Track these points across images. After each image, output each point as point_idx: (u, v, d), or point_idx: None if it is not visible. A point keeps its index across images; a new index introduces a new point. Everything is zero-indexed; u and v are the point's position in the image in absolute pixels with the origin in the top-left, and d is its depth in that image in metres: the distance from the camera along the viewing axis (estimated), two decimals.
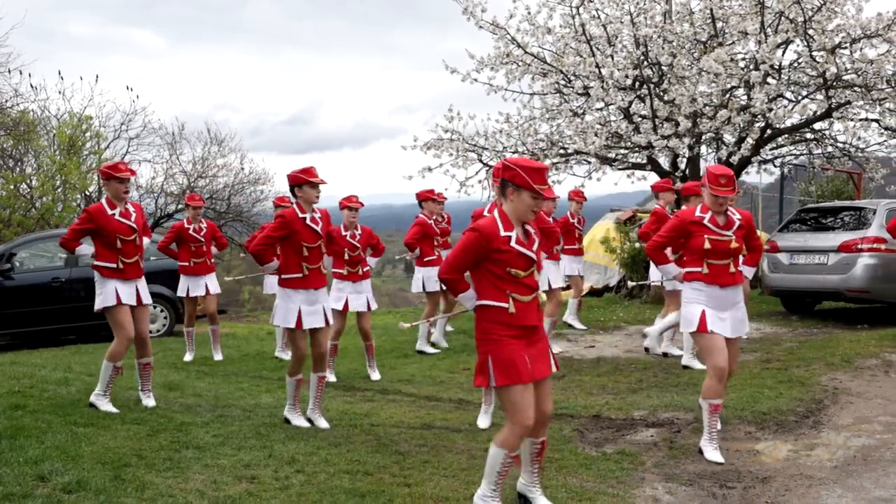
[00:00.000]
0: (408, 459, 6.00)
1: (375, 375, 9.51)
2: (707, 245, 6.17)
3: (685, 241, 6.36)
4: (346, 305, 9.28)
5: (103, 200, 7.62)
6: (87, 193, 22.56)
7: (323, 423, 7.09)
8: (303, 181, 6.90)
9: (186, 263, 11.01)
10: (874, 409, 7.31)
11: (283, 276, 7.01)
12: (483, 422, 7.10)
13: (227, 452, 6.08)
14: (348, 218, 9.15)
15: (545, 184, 4.64)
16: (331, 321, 7.11)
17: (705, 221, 6.25)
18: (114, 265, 7.49)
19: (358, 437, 6.65)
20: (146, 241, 7.92)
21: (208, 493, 5.14)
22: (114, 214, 7.50)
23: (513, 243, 4.59)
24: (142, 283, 7.70)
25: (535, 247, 4.71)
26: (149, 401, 7.72)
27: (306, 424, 7.05)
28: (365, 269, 9.37)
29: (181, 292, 11.09)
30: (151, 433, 6.58)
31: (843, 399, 7.61)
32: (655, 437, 6.74)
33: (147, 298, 7.73)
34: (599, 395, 8.30)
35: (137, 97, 39.68)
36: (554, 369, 4.79)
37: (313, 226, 6.96)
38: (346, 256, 9.22)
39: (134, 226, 7.60)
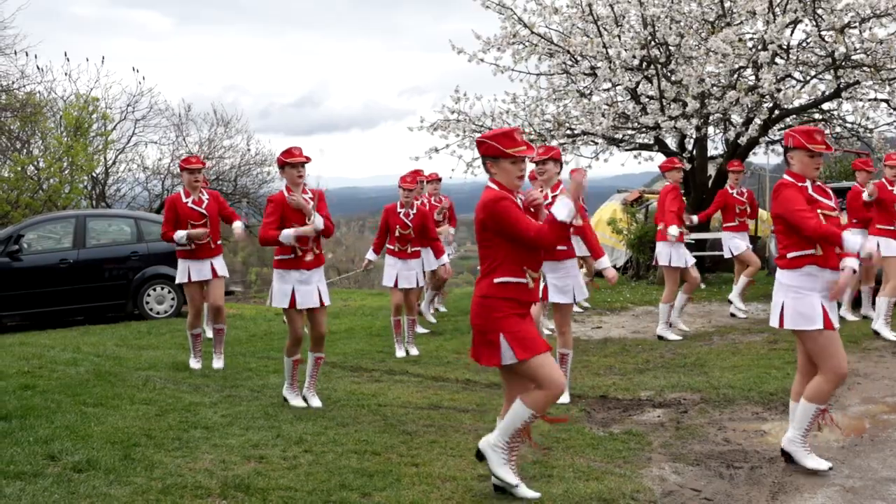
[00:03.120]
0: (415, 439, 6.02)
1: (414, 351, 9.75)
2: (824, 221, 5.17)
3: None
4: (396, 282, 9.61)
5: (181, 189, 8.83)
6: (94, 175, 22.56)
7: (316, 402, 7.12)
8: (282, 163, 6.98)
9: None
10: (881, 390, 7.31)
11: (276, 258, 7.02)
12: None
13: (235, 432, 6.11)
14: (402, 197, 9.50)
15: (519, 145, 4.62)
16: (326, 302, 7.02)
17: (810, 192, 5.25)
18: (189, 247, 8.67)
19: (366, 418, 6.68)
20: (238, 224, 8.96)
21: (217, 472, 5.17)
22: (187, 202, 8.66)
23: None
24: (216, 260, 8.85)
25: (540, 222, 4.72)
26: (216, 362, 8.80)
27: (303, 405, 7.06)
28: (414, 249, 9.64)
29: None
30: (160, 413, 6.62)
31: (851, 380, 7.59)
32: (662, 417, 6.75)
33: (221, 271, 8.88)
34: (606, 376, 8.31)
35: (144, 78, 39.63)
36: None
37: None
38: (397, 233, 9.53)
39: (204, 212, 8.71)
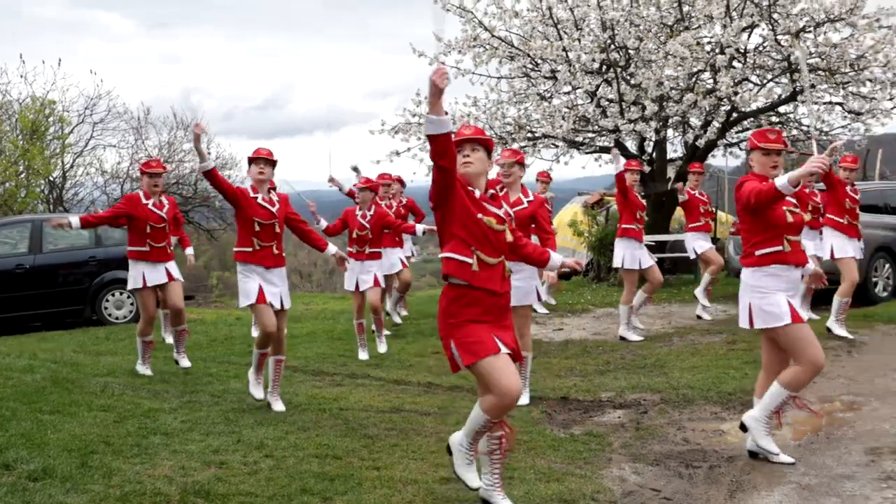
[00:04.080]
0: (377, 443, 6.01)
1: (382, 348, 9.87)
2: (790, 218, 5.35)
3: (756, 214, 5.36)
4: (357, 285, 9.66)
5: (140, 191, 8.70)
6: (51, 179, 22.26)
7: (278, 407, 7.10)
8: (249, 160, 7.07)
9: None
10: (837, 389, 7.43)
11: (236, 249, 7.08)
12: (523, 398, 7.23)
13: (195, 438, 6.05)
14: (359, 198, 9.62)
15: (460, 134, 4.59)
16: (286, 305, 7.09)
17: None
18: (144, 248, 8.52)
19: (327, 422, 6.65)
20: (189, 250, 9.25)
21: (176, 478, 5.12)
22: (148, 204, 8.58)
23: (476, 195, 4.53)
24: (171, 264, 8.77)
25: (502, 210, 4.63)
26: (184, 362, 8.84)
27: (262, 396, 7.11)
28: (372, 250, 9.70)
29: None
30: (118, 420, 6.54)
31: None
32: (622, 418, 6.80)
33: (177, 275, 8.79)
34: (567, 378, 8.35)
35: (102, 81, 39.14)
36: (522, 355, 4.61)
37: (266, 204, 6.99)
38: (355, 235, 9.60)
39: (164, 216, 8.66)
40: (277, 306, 7.02)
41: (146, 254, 8.55)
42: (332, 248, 7.39)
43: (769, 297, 5.33)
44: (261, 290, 6.93)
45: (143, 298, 8.64)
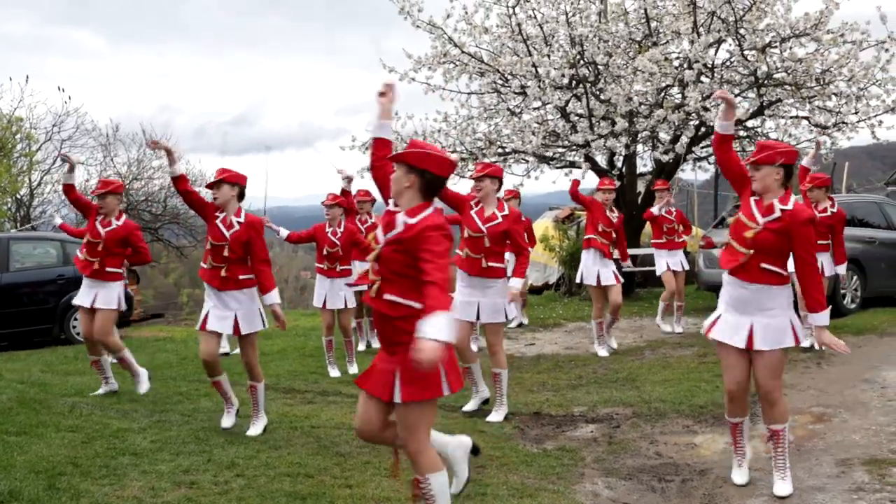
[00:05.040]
0: (349, 461, 5.97)
1: (353, 369, 9.78)
2: (749, 234, 5.23)
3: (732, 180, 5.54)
4: (325, 303, 9.63)
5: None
6: (18, 196, 22.04)
7: (250, 431, 6.83)
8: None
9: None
10: (807, 401, 7.48)
11: (202, 265, 6.97)
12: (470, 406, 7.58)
13: (165, 458, 5.98)
14: (328, 215, 9.52)
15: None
16: (243, 331, 6.75)
17: (751, 204, 5.31)
18: (81, 258, 8.19)
19: (298, 440, 6.60)
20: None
21: (146, 499, 5.06)
22: (97, 220, 8.16)
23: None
24: (103, 288, 8.15)
25: (393, 233, 4.30)
26: (140, 387, 8.33)
27: (229, 425, 6.88)
28: (343, 268, 9.64)
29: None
30: (87, 440, 6.45)
31: None
32: (595, 432, 6.81)
33: (103, 303, 8.12)
34: (539, 393, 8.35)
35: (70, 98, 38.75)
36: (396, 398, 4.13)
37: (220, 225, 6.69)
38: (325, 252, 9.54)
39: (102, 233, 8.09)
40: (228, 331, 6.78)
41: (83, 265, 8.19)
42: (274, 298, 6.84)
43: (717, 310, 5.34)
44: (206, 317, 6.78)
45: (80, 316, 8.39)
